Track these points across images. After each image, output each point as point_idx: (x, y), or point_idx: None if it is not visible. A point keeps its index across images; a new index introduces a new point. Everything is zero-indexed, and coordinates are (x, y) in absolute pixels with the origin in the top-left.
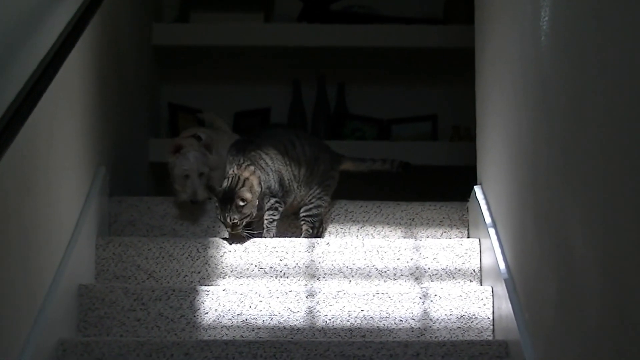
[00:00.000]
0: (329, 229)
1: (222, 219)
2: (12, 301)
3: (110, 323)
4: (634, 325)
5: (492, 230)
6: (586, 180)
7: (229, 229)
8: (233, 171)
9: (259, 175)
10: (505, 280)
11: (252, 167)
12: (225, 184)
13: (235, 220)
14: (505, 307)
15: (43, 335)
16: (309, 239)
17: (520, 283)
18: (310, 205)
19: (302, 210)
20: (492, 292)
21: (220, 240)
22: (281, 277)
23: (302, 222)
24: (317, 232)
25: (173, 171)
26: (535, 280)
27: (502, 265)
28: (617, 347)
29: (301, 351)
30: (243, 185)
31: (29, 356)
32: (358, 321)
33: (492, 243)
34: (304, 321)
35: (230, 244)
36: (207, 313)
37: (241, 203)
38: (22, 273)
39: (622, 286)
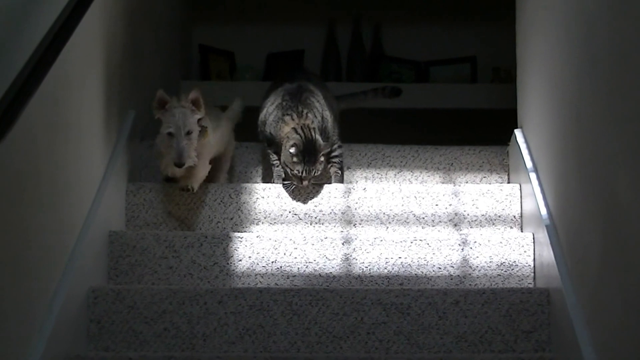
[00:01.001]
0: (365, 174)
1: (302, 173)
2: (43, 246)
3: (141, 271)
4: None
5: (533, 175)
6: (634, 125)
7: (306, 182)
8: (295, 120)
9: (317, 123)
10: (547, 227)
11: (311, 115)
12: (297, 134)
13: (318, 172)
14: (547, 254)
15: (74, 283)
16: (344, 185)
17: (562, 230)
18: (335, 146)
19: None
20: (534, 238)
21: (253, 186)
22: (316, 223)
23: (331, 166)
24: (343, 175)
25: (158, 130)
26: (579, 227)
27: (543, 211)
28: None
29: (337, 299)
30: (316, 134)
31: (60, 304)
32: (395, 269)
33: (533, 188)
34: (340, 268)
35: (294, 199)
36: (240, 260)
37: (322, 153)
38: (52, 216)
39: None
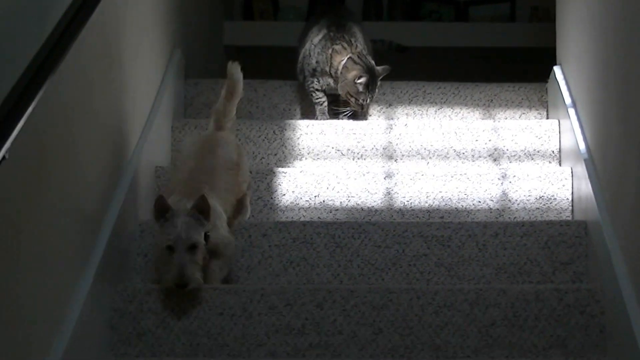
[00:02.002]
0: (406, 111)
1: (366, 100)
2: (93, 182)
3: None
4: None
5: (572, 111)
6: None
7: (365, 108)
8: (347, 49)
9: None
10: (585, 161)
11: (359, 44)
12: (357, 64)
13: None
14: (585, 187)
15: (121, 216)
16: (386, 121)
17: (600, 164)
18: None
19: None
20: (572, 172)
21: (297, 122)
22: (358, 158)
23: None
24: None
25: (156, 241)
26: (616, 161)
27: (582, 146)
28: None
29: (379, 232)
30: (372, 60)
31: (107, 237)
32: (436, 202)
33: (571, 124)
34: (381, 202)
35: (352, 124)
36: (284, 195)
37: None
38: (104, 147)
39: None
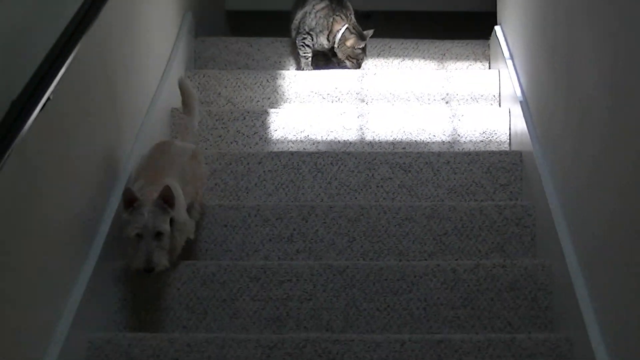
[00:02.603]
0: (375, 63)
1: (363, 59)
2: (127, 108)
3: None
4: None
5: (509, 62)
6: (595, 10)
7: (360, 64)
8: (345, 20)
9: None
10: (520, 103)
11: (352, 17)
12: (352, 34)
13: None
14: (520, 124)
15: (143, 149)
16: (359, 71)
17: (533, 104)
18: None
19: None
20: (509, 112)
21: (286, 72)
22: (336, 101)
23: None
24: None
25: (125, 230)
26: (546, 101)
27: (517, 91)
28: (615, 147)
29: (353, 160)
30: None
31: (130, 167)
32: (399, 136)
33: (509, 73)
34: (355, 136)
35: (331, 74)
36: (276, 130)
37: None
38: (132, 87)
39: (625, 96)
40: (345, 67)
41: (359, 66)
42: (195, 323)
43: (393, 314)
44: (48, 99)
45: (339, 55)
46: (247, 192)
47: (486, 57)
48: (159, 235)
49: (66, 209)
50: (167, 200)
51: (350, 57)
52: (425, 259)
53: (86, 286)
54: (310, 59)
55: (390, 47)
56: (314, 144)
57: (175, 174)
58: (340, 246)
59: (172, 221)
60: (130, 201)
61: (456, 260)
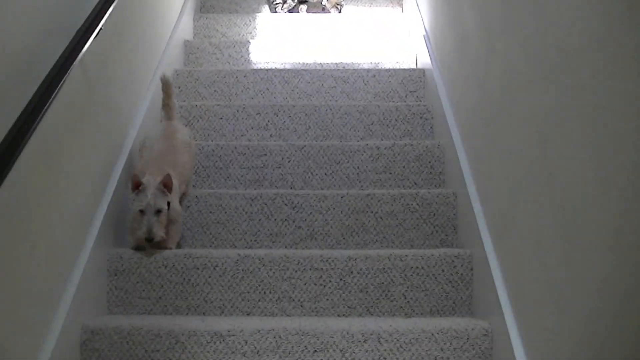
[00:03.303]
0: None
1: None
2: (143, 59)
3: (201, 60)
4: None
5: (416, 7)
6: None
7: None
8: None
9: None
10: (424, 36)
11: None
12: None
13: None
14: (423, 51)
15: (164, 67)
16: (316, 15)
17: (432, 37)
18: None
19: None
20: (417, 42)
21: (263, 14)
22: (298, 34)
23: None
24: None
25: (131, 207)
26: (441, 35)
27: (422, 28)
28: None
29: (309, 75)
30: None
31: (155, 86)
32: (340, 60)
33: (416, 15)
34: (311, 60)
35: (297, 16)
36: (254, 53)
37: None
38: (153, 24)
39: (493, 32)
40: (327, 12)
41: (339, 12)
42: (200, 182)
43: (336, 177)
44: (101, 28)
45: (327, 6)
46: (236, 96)
47: (400, 3)
48: (158, 212)
49: (72, 194)
50: (166, 185)
51: (337, 5)
52: (358, 141)
53: (82, 272)
54: (280, 4)
55: None
56: (282, 64)
57: (175, 169)
58: (300, 132)
59: (168, 204)
60: (136, 185)
61: (380, 140)
